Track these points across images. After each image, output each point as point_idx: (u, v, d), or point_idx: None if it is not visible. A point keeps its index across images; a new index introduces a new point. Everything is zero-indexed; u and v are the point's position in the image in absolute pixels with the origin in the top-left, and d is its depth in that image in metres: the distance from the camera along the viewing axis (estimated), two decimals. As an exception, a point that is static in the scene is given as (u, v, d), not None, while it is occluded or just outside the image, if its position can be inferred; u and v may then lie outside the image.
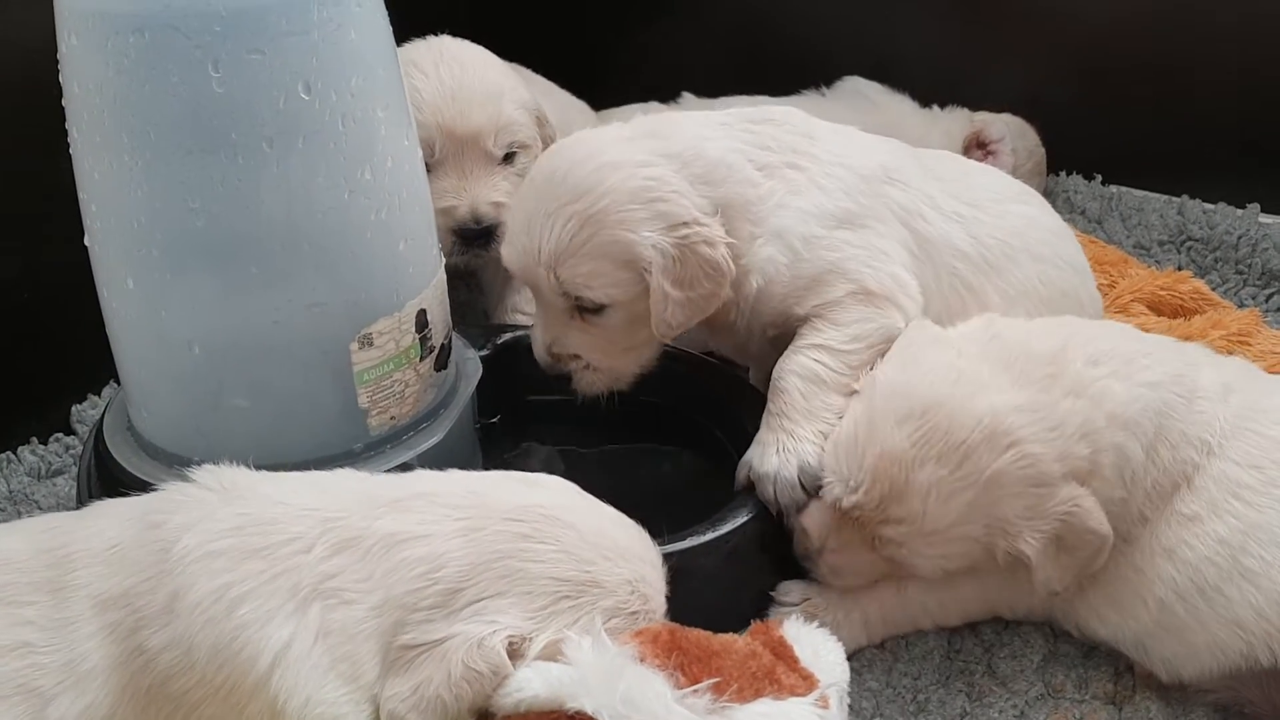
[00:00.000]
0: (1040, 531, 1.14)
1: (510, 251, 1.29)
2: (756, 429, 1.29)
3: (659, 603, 1.00)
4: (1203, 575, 1.16)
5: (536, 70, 1.88)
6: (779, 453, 1.23)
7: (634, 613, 0.97)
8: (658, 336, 1.27)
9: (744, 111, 1.35)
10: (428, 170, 1.49)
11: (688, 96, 2.04)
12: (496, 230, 1.52)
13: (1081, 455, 1.16)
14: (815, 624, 1.13)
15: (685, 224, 1.22)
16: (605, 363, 1.30)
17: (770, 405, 1.28)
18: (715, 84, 2.04)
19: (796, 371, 1.26)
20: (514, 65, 1.71)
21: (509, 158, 1.58)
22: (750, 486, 1.26)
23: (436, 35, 1.67)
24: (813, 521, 1.23)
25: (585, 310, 1.27)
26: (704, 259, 1.22)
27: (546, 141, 1.63)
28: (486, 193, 1.55)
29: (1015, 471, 1.15)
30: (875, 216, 1.31)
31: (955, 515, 1.15)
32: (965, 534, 1.16)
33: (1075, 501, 1.15)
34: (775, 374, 1.28)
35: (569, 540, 0.96)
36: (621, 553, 0.98)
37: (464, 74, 1.56)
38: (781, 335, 1.32)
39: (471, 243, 1.56)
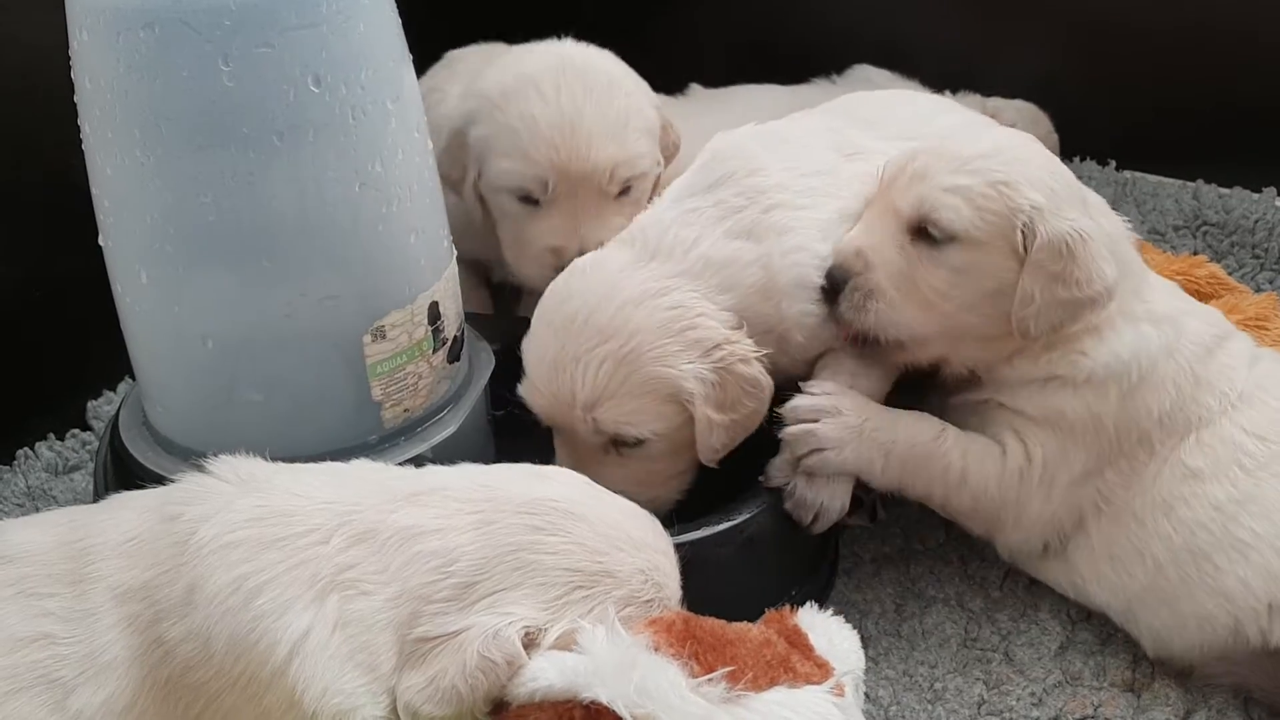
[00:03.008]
0: (1046, 228, 1.16)
1: (538, 397, 1.24)
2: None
3: (673, 590, 1.00)
4: (1196, 539, 1.16)
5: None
6: None
7: (648, 601, 0.97)
8: (705, 461, 1.24)
9: (689, 182, 1.30)
10: (535, 205, 1.47)
11: (695, 88, 2.03)
12: None
13: (1106, 228, 1.21)
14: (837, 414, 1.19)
15: (718, 346, 1.20)
16: (645, 494, 1.21)
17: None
18: (724, 73, 2.03)
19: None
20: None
21: (625, 189, 1.49)
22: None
23: (561, 38, 1.60)
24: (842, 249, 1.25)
25: (622, 445, 1.23)
26: (743, 378, 1.20)
27: (669, 150, 1.58)
28: (598, 232, 1.45)
29: (1036, 157, 1.22)
30: (858, 199, 1.29)
31: (975, 149, 1.20)
32: (986, 172, 1.18)
33: (1092, 230, 1.17)
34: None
35: (581, 532, 0.96)
36: (633, 542, 0.98)
37: (586, 101, 1.45)
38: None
39: None
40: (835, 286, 1.23)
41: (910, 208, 1.20)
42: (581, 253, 1.44)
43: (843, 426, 1.21)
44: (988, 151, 1.20)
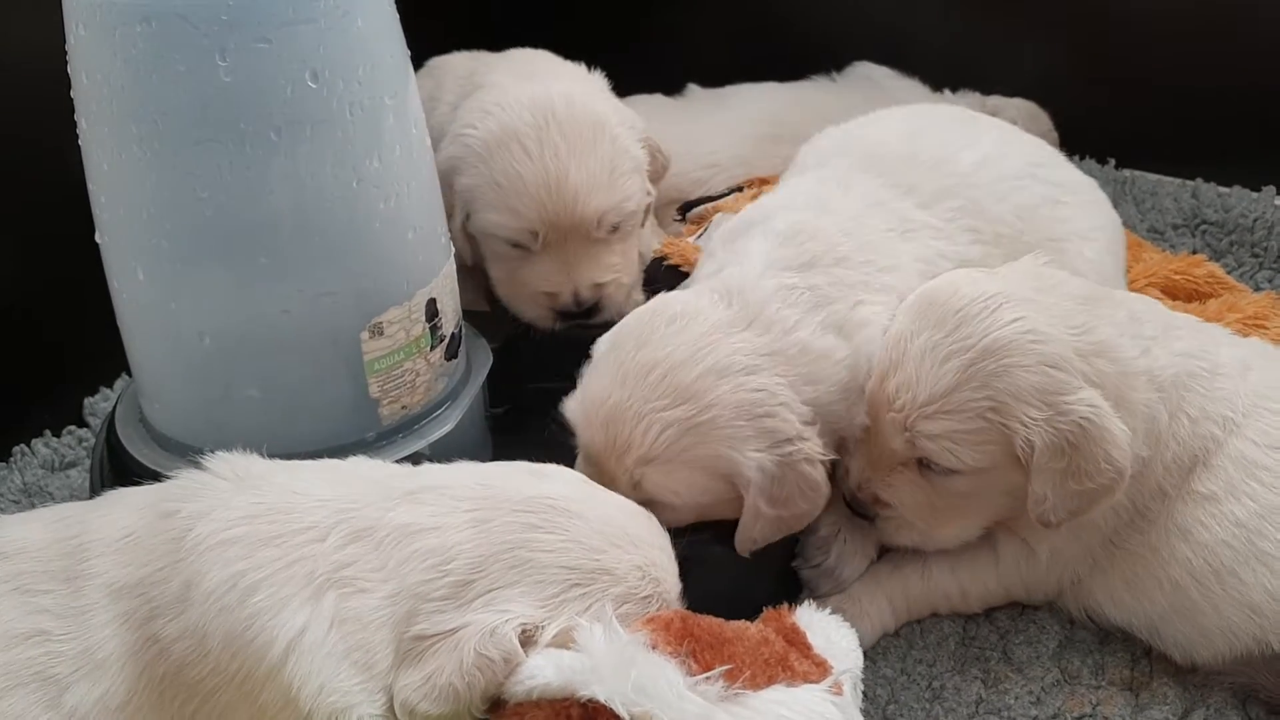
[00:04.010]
0: (1053, 427, 1.09)
1: (591, 435, 1.18)
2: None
3: (671, 586, 1.00)
4: (1218, 557, 1.14)
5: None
6: None
7: (646, 598, 0.97)
8: (739, 550, 1.19)
9: (779, 254, 1.24)
10: (526, 250, 1.47)
11: (693, 88, 2.02)
12: (599, 305, 1.47)
13: (1106, 372, 1.12)
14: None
15: (789, 440, 1.15)
16: None
17: None
18: (723, 71, 2.02)
19: None
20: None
21: (615, 229, 1.48)
22: None
23: (521, 47, 1.59)
24: (849, 456, 1.23)
25: (652, 502, 1.17)
26: (803, 477, 1.16)
27: (659, 173, 1.57)
28: (590, 274, 1.45)
29: (1022, 341, 1.10)
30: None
31: (951, 380, 1.11)
32: (967, 405, 1.11)
33: (1095, 407, 1.09)
34: None
35: (578, 529, 0.96)
36: (630, 539, 0.98)
37: (570, 157, 1.43)
38: None
39: (572, 319, 1.48)
40: (865, 515, 1.24)
41: (903, 450, 1.17)
42: (576, 294, 1.46)
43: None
44: (964, 377, 1.11)
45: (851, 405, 1.21)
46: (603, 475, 1.19)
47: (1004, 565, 1.25)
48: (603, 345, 1.22)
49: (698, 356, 1.16)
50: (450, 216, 1.51)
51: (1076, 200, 1.44)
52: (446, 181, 1.49)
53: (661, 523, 1.14)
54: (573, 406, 1.21)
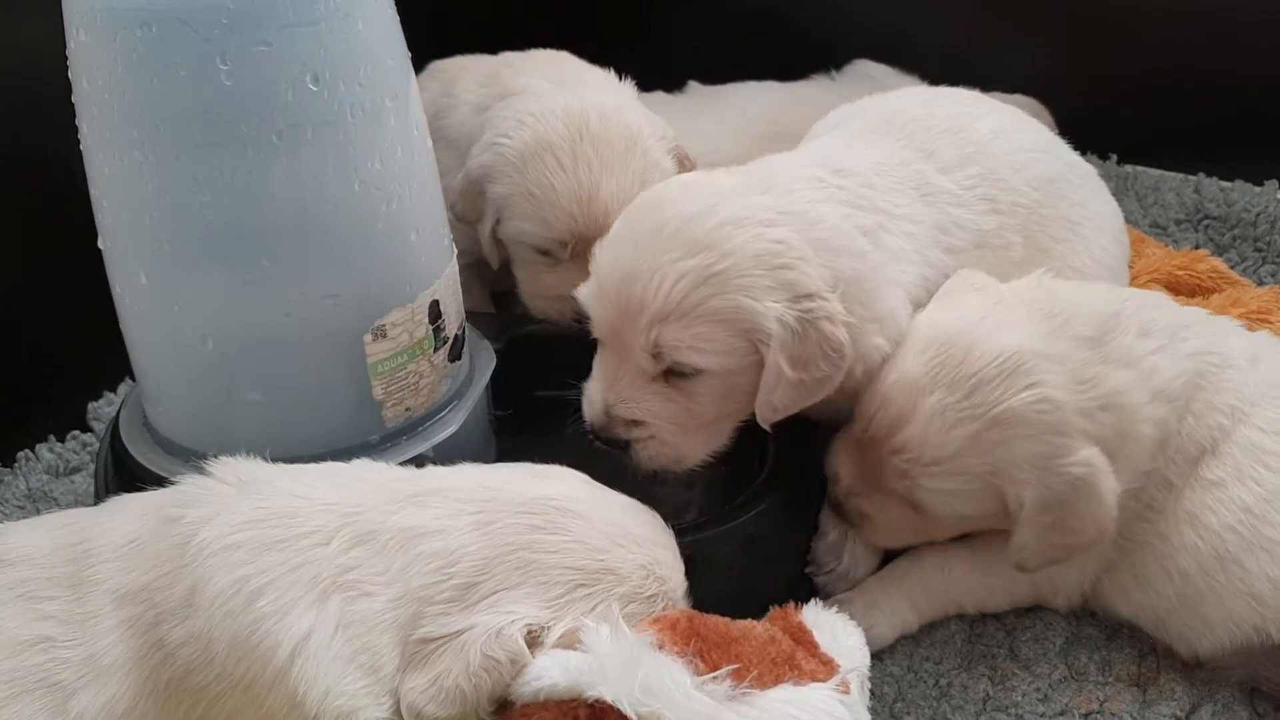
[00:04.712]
0: (1045, 486, 1.11)
1: (602, 305, 1.16)
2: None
3: (676, 583, 1.00)
4: (1224, 543, 1.15)
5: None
6: None
7: (651, 596, 0.97)
8: (760, 419, 1.16)
9: (812, 156, 1.25)
10: (553, 258, 1.48)
11: (694, 85, 2.02)
12: None
13: (1108, 424, 1.13)
14: (857, 605, 1.17)
15: (810, 296, 1.12)
16: (676, 438, 1.18)
17: None
18: (722, 69, 2.02)
19: None
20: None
21: None
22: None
23: (519, 47, 1.58)
24: (838, 460, 1.22)
25: (675, 375, 1.16)
26: (826, 337, 1.12)
27: None
28: None
29: (1030, 413, 1.11)
30: (929, 276, 1.24)
31: (957, 446, 1.12)
32: (969, 469, 1.12)
33: (1089, 467, 1.11)
34: None
35: (581, 530, 0.96)
36: (634, 538, 0.98)
37: (603, 172, 1.43)
38: None
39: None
40: (849, 522, 1.25)
41: (900, 490, 1.17)
42: None
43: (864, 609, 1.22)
44: (967, 444, 1.12)
45: (866, 319, 1.16)
46: (617, 351, 1.16)
47: None
48: (617, 223, 1.20)
49: (714, 209, 1.14)
50: (480, 221, 1.53)
51: (1088, 185, 1.43)
52: (478, 188, 1.51)
53: (689, 410, 1.15)
54: (585, 289, 1.18)
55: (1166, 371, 1.16)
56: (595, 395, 1.21)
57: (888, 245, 1.20)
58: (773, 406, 1.15)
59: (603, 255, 1.18)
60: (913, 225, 1.23)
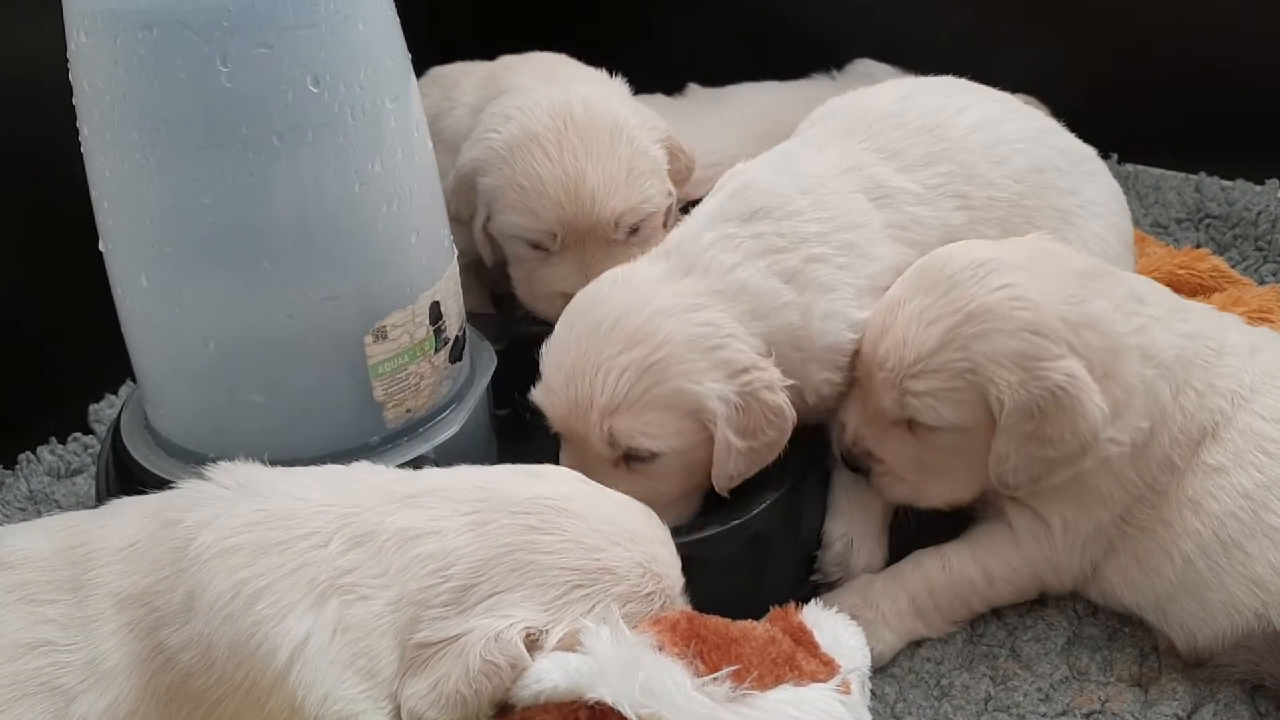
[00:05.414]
0: (1026, 390, 1.12)
1: (554, 403, 1.21)
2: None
3: (674, 580, 1.00)
4: (1226, 529, 1.16)
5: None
6: None
7: (648, 594, 0.97)
8: (718, 489, 1.21)
9: (723, 208, 1.26)
10: (545, 251, 1.49)
11: (694, 87, 2.02)
12: None
13: (1093, 344, 1.14)
14: (862, 615, 1.16)
15: (745, 370, 1.18)
16: None
17: None
18: (722, 70, 2.02)
19: None
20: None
21: (634, 230, 1.49)
22: None
23: (520, 49, 1.59)
24: (845, 411, 1.25)
25: (634, 459, 1.20)
26: (767, 405, 1.18)
27: (683, 174, 1.57)
28: None
29: (1005, 307, 1.13)
30: (890, 266, 1.27)
31: (936, 341, 1.15)
32: (949, 366, 1.15)
33: (1072, 377, 1.12)
34: None
35: (577, 529, 0.96)
36: (630, 536, 0.98)
37: (589, 159, 1.44)
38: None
39: None
40: (860, 470, 1.25)
41: (893, 409, 1.20)
42: None
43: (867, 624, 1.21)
44: (946, 338, 1.15)
45: (808, 362, 1.23)
46: (577, 444, 1.22)
47: (1022, 541, 1.24)
48: (558, 324, 1.25)
49: (642, 303, 1.19)
50: (473, 218, 1.53)
51: (1081, 171, 1.43)
52: (469, 183, 1.52)
53: (655, 489, 1.19)
54: (537, 390, 1.23)
55: (1159, 339, 1.18)
56: None
57: (817, 280, 1.23)
58: (729, 476, 1.20)
59: (548, 355, 1.23)
60: (852, 233, 1.26)
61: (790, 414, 1.20)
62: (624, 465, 1.21)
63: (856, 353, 1.25)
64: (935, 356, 1.15)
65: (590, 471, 1.19)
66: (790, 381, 1.21)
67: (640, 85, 1.78)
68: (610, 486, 1.16)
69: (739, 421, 1.17)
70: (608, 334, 1.18)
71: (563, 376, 1.20)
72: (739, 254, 1.23)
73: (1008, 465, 1.16)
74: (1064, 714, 1.18)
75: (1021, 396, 1.13)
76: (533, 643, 0.91)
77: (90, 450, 1.61)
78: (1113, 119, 2.10)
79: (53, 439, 1.62)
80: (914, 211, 1.29)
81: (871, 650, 1.16)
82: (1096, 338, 1.15)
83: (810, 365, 1.23)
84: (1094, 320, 1.15)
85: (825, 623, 1.04)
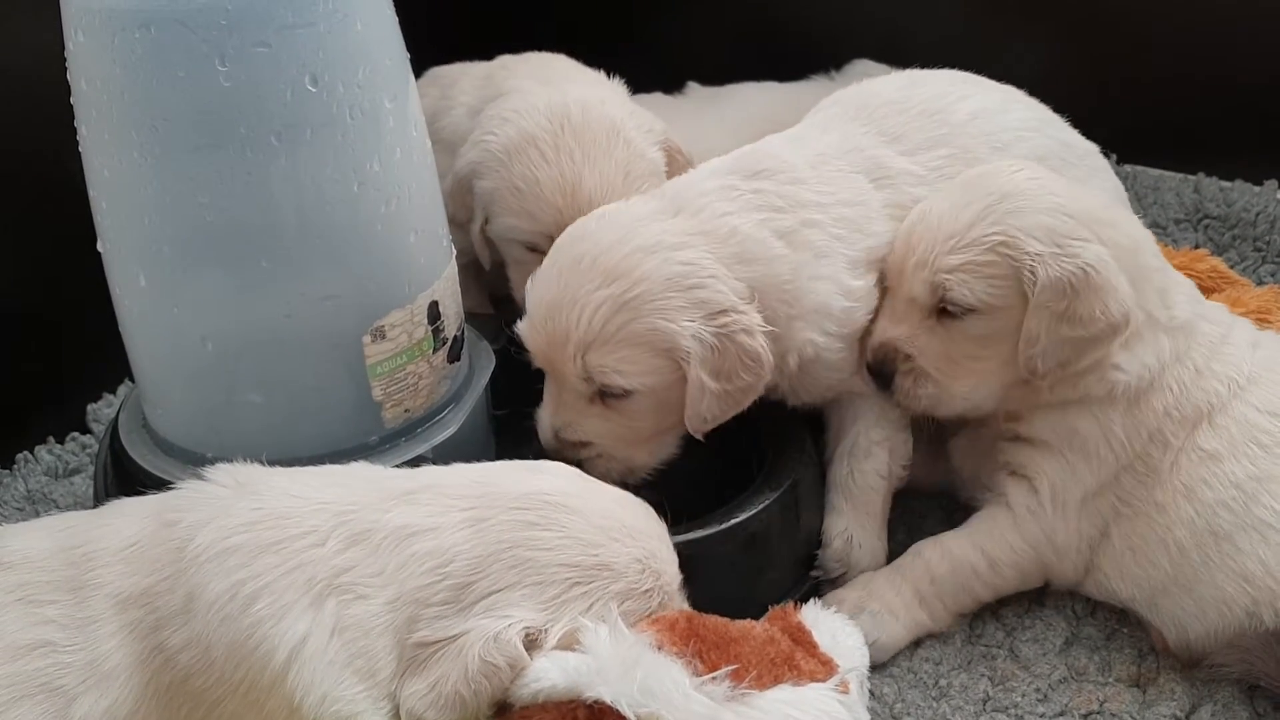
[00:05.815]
0: (1058, 265, 1.16)
1: (534, 336, 1.22)
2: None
3: (671, 576, 1.00)
4: (1218, 518, 1.17)
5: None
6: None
7: (647, 591, 0.97)
8: (691, 430, 1.22)
9: (728, 164, 1.29)
10: (542, 254, 1.45)
11: (693, 86, 2.02)
12: None
13: (1122, 245, 1.19)
14: (865, 613, 1.18)
15: (724, 311, 1.18)
16: (623, 453, 1.24)
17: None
18: (722, 70, 2.01)
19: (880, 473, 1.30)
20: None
21: None
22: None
23: (533, 51, 1.59)
24: (879, 326, 1.27)
25: (609, 396, 1.21)
26: (743, 349, 1.18)
27: (679, 175, 1.55)
28: None
29: (1033, 188, 1.20)
30: (887, 242, 1.28)
31: (970, 217, 1.19)
32: (984, 240, 1.18)
33: (1103, 260, 1.16)
34: (855, 469, 1.31)
35: (575, 525, 0.96)
36: (628, 532, 0.97)
37: (585, 162, 1.44)
38: (836, 397, 1.33)
39: None
40: (884, 377, 1.26)
41: (925, 294, 1.22)
42: None
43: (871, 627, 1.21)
44: (980, 214, 1.19)
45: (794, 320, 1.23)
46: (557, 380, 1.22)
47: (1020, 518, 1.24)
48: (545, 259, 1.26)
49: (625, 239, 1.20)
50: (470, 220, 1.53)
51: (1084, 165, 1.44)
52: (466, 186, 1.52)
53: (629, 427, 1.21)
54: (521, 324, 1.24)
55: (1176, 295, 1.23)
56: (545, 421, 1.28)
57: (811, 243, 1.24)
58: (701, 417, 1.20)
59: (533, 289, 1.24)
60: (849, 209, 1.28)
61: (768, 359, 1.19)
62: (599, 402, 1.22)
63: (862, 340, 1.27)
64: (969, 231, 1.19)
65: (568, 408, 1.23)
66: (770, 328, 1.20)
67: (640, 85, 1.78)
68: (586, 424, 1.21)
69: (713, 363, 1.18)
70: (588, 269, 1.19)
71: (543, 311, 1.21)
72: (736, 204, 1.24)
73: (1037, 347, 1.18)
74: (1062, 714, 1.18)
75: (1054, 271, 1.16)
76: (532, 642, 0.91)
77: (88, 450, 1.61)
78: (1112, 119, 2.09)
79: (50, 439, 1.62)
80: (914, 192, 1.31)
81: (879, 642, 1.17)
82: (1123, 238, 1.20)
83: (796, 323, 1.24)
84: (1119, 223, 1.21)
85: (824, 622, 1.04)
